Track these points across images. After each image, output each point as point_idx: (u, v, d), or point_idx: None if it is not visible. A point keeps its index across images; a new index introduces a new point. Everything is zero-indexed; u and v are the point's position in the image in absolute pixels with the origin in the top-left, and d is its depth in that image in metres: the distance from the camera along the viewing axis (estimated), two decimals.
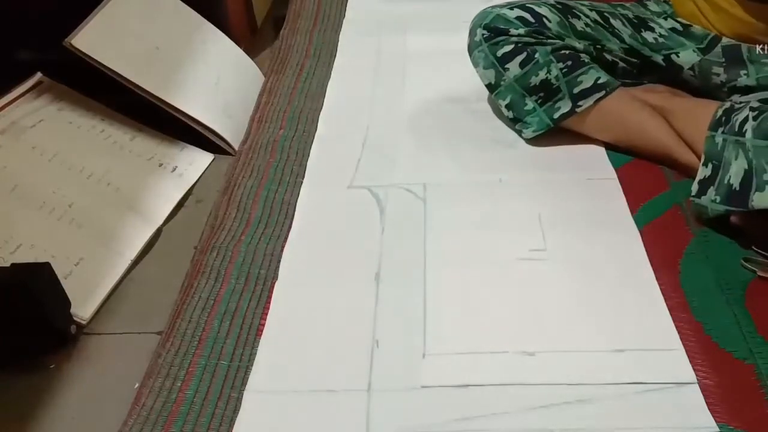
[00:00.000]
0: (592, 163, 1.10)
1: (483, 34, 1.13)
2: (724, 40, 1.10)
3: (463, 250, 0.96)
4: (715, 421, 0.73)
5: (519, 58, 1.10)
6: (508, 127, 1.19)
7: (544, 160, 1.12)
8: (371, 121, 1.23)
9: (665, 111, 1.07)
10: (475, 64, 1.17)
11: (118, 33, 1.29)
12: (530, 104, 1.12)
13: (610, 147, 1.12)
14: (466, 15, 1.21)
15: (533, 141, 1.15)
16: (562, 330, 0.83)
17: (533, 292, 0.89)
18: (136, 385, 0.84)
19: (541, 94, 1.11)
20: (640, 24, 1.18)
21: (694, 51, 1.13)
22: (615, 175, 1.07)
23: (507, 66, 1.12)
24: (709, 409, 0.74)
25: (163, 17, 1.40)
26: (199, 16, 1.46)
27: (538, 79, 1.10)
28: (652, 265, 0.92)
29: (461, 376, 0.78)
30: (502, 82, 1.13)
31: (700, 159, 0.97)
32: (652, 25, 1.17)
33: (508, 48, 1.11)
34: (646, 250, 0.94)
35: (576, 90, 1.09)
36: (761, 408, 0.74)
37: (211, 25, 1.47)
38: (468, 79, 1.27)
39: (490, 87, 1.16)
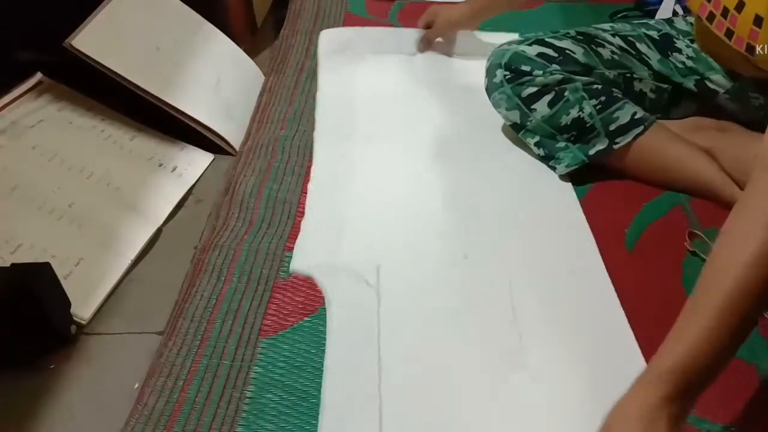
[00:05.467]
0: (574, 239, 0.97)
1: (505, 75, 1.06)
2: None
3: (427, 365, 0.79)
4: (717, 421, 0.73)
5: (547, 98, 1.04)
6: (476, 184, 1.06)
7: (513, 227, 0.98)
8: (313, 186, 1.06)
9: (714, 151, 1.02)
10: (497, 106, 1.10)
11: (118, 33, 1.29)
12: (562, 142, 1.06)
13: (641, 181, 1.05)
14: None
15: (499, 205, 1.02)
16: None
17: (516, 416, 0.74)
18: (136, 385, 0.84)
19: (574, 133, 1.04)
20: (666, 45, 1.11)
21: (725, 75, 1.07)
22: (600, 261, 0.93)
23: (533, 107, 1.05)
24: (710, 410, 0.74)
25: (163, 18, 1.40)
26: (199, 16, 1.45)
27: (570, 118, 1.03)
28: (653, 265, 0.92)
29: None
30: (528, 123, 1.07)
31: None
32: (678, 44, 1.11)
33: (533, 89, 1.04)
34: (648, 252, 0.94)
35: (612, 127, 1.03)
36: (763, 409, 0.74)
37: (211, 25, 1.47)
38: (414, 128, 1.18)
39: (516, 126, 1.09)
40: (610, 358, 0.79)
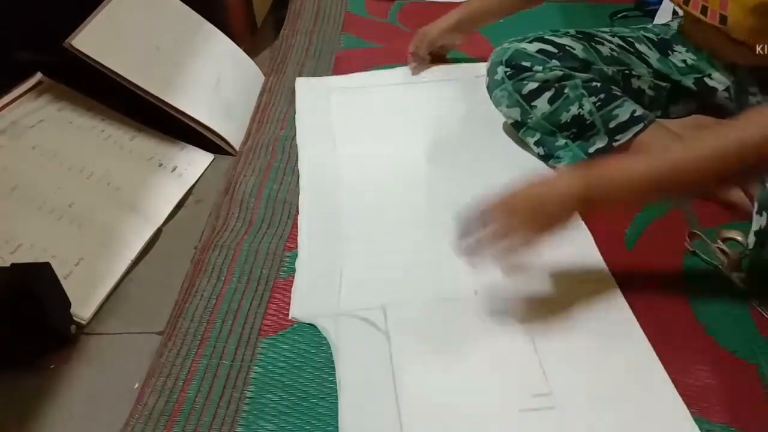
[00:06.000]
0: (580, 253, 0.93)
1: (505, 72, 1.08)
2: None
3: (444, 404, 0.75)
4: (717, 421, 0.73)
5: (547, 95, 1.05)
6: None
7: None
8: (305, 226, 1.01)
9: None
10: (498, 104, 1.11)
11: (118, 33, 1.29)
12: (562, 140, 1.07)
13: None
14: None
15: None
16: None
17: None
18: (136, 385, 0.84)
19: (574, 130, 1.05)
20: (665, 45, 1.12)
21: (725, 72, 1.06)
22: (611, 276, 0.90)
23: (534, 103, 1.06)
24: (711, 409, 0.74)
25: (163, 18, 1.40)
26: (199, 16, 1.45)
27: (570, 115, 1.04)
28: (653, 265, 0.91)
29: None
30: (528, 120, 1.08)
31: (749, 198, 0.90)
32: (677, 47, 1.11)
33: (533, 85, 1.05)
34: (648, 252, 0.93)
35: (612, 124, 1.03)
36: (764, 408, 0.74)
37: (211, 25, 1.47)
38: (409, 133, 1.18)
39: (516, 125, 1.10)
40: (637, 390, 0.76)
